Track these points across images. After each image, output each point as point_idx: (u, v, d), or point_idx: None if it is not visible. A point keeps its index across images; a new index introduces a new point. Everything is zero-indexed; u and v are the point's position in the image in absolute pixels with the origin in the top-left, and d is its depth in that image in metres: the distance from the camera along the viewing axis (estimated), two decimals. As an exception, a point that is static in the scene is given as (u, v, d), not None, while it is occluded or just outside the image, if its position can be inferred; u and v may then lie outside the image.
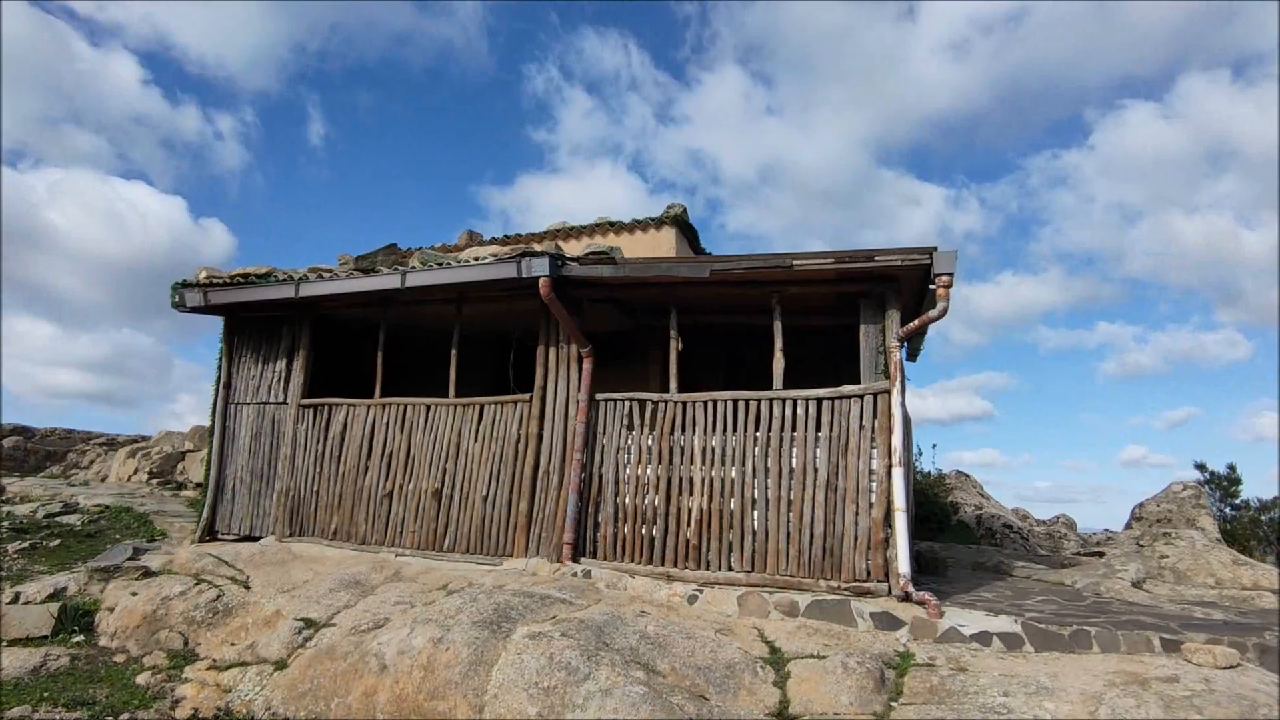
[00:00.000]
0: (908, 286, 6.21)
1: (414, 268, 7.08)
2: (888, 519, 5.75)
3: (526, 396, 7.10)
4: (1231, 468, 12.58)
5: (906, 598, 5.54)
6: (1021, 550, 11.45)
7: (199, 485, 11.83)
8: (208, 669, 5.24)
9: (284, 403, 8.19)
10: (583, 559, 6.57)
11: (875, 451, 5.90)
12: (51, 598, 6.45)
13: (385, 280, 7.07)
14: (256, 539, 8.00)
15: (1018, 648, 5.06)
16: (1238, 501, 11.92)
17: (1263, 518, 11.28)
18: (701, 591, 5.92)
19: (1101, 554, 8.97)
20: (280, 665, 5.00)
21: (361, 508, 7.48)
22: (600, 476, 6.70)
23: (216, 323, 8.67)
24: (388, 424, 7.61)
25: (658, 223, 10.29)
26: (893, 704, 4.40)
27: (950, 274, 5.57)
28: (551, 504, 6.75)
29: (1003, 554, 10.01)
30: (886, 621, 5.37)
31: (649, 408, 6.70)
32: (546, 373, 7.09)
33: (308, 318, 8.19)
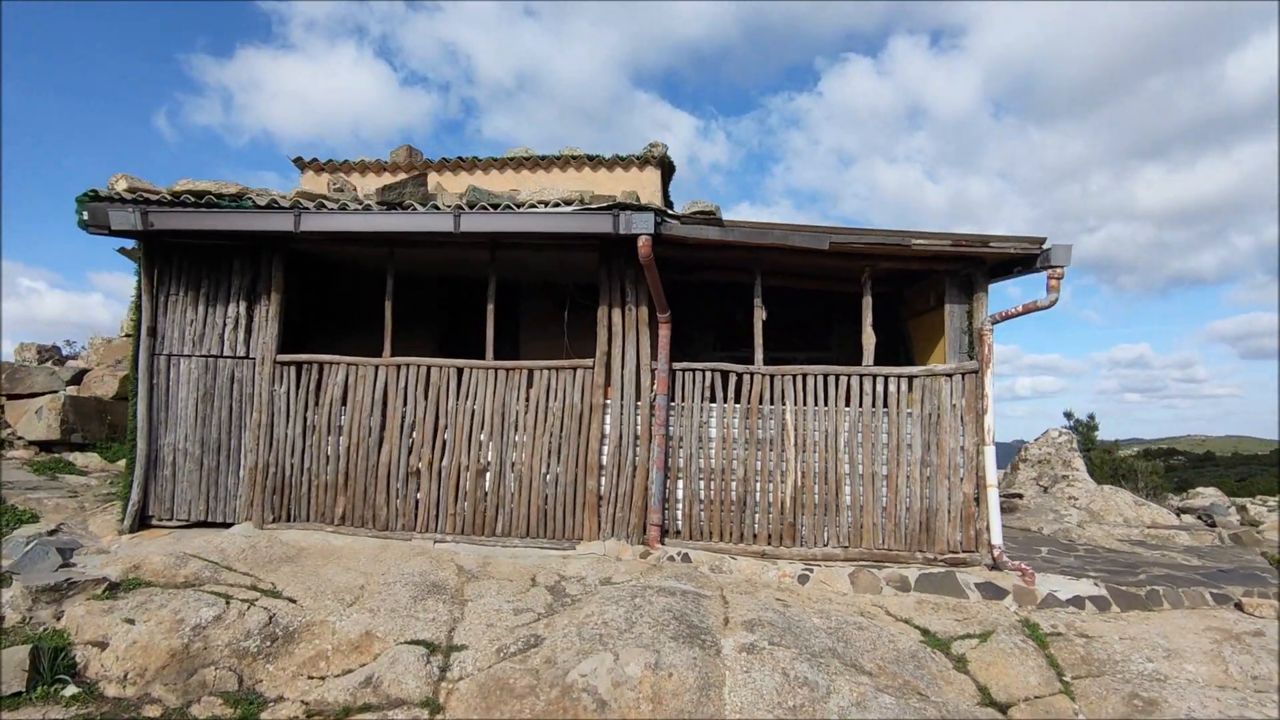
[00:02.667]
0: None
1: (467, 208, 5.89)
2: (979, 494, 6.08)
3: (589, 362, 6.36)
4: (1091, 416, 15.54)
5: (996, 567, 5.96)
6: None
7: (36, 444, 9.24)
8: (308, 717, 4.20)
9: (247, 357, 6.55)
10: (665, 540, 6.18)
11: (965, 429, 6.15)
12: (-16, 634, 4.72)
13: (433, 220, 5.80)
14: (218, 525, 6.47)
15: (1107, 609, 5.70)
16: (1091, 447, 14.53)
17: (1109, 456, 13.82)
18: (811, 570, 5.88)
19: (1020, 496, 10.37)
20: (431, 706, 4.14)
21: (379, 488, 6.32)
22: (681, 452, 6.28)
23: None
24: (405, 389, 6.42)
25: (640, 161, 9.53)
26: (1065, 679, 4.77)
27: (1064, 267, 5.83)
28: (627, 482, 6.22)
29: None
30: (991, 591, 5.75)
31: (733, 379, 6.35)
32: (611, 337, 6.39)
33: (279, 251, 6.53)
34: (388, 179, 9.63)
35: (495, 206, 5.94)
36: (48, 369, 10.05)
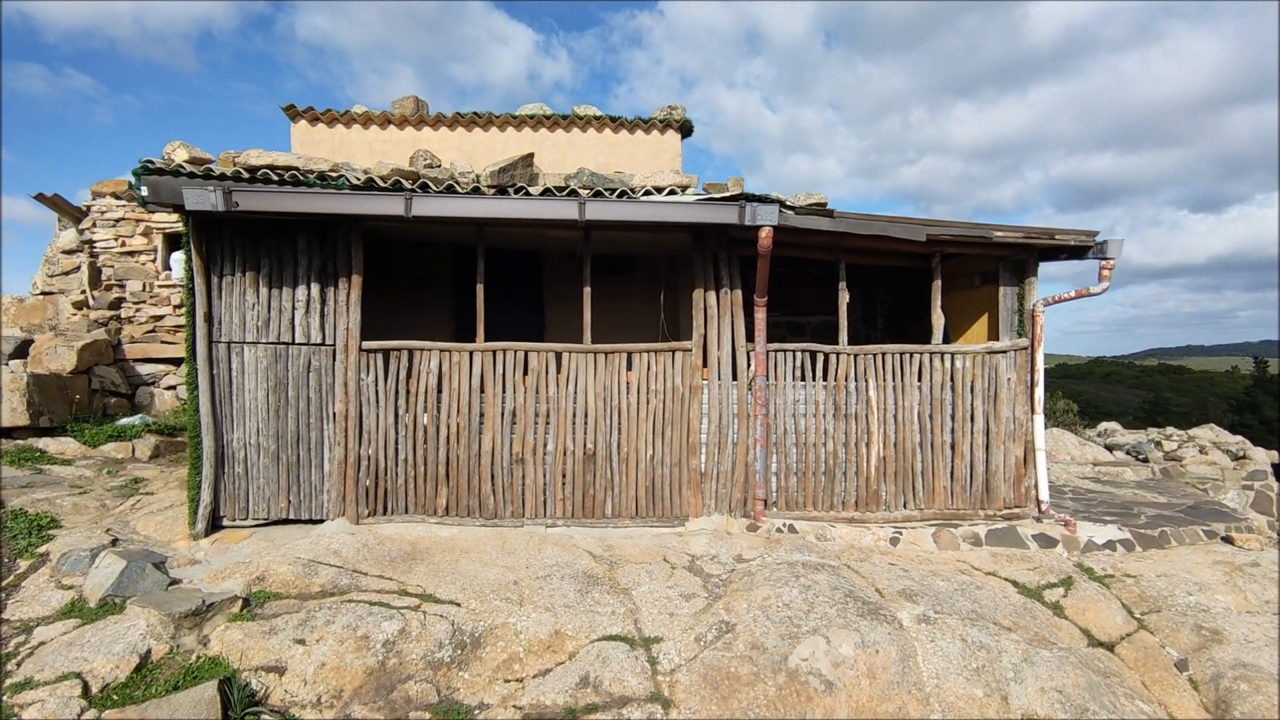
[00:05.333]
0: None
1: (583, 192, 5.72)
2: (1027, 455, 6.93)
3: (688, 344, 6.49)
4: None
5: (1040, 519, 6.89)
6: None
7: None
8: (532, 721, 4.31)
9: (325, 344, 6.11)
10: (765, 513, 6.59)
11: (1017, 400, 6.93)
12: (138, 670, 4.36)
13: (557, 207, 5.59)
14: (302, 522, 6.15)
15: (1133, 550, 6.77)
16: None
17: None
18: (900, 533, 6.52)
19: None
20: (660, 700, 4.36)
21: (484, 476, 6.22)
22: (775, 428, 6.63)
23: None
24: (503, 375, 6.27)
25: (662, 125, 9.41)
26: (1136, 616, 5.73)
27: (1116, 259, 6.59)
28: (728, 459, 6.52)
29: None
30: (1045, 541, 6.65)
31: (820, 358, 6.73)
32: (707, 320, 6.54)
33: (355, 230, 6.05)
34: (393, 132, 8.96)
35: (611, 191, 5.82)
36: (-19, 341, 8.68)
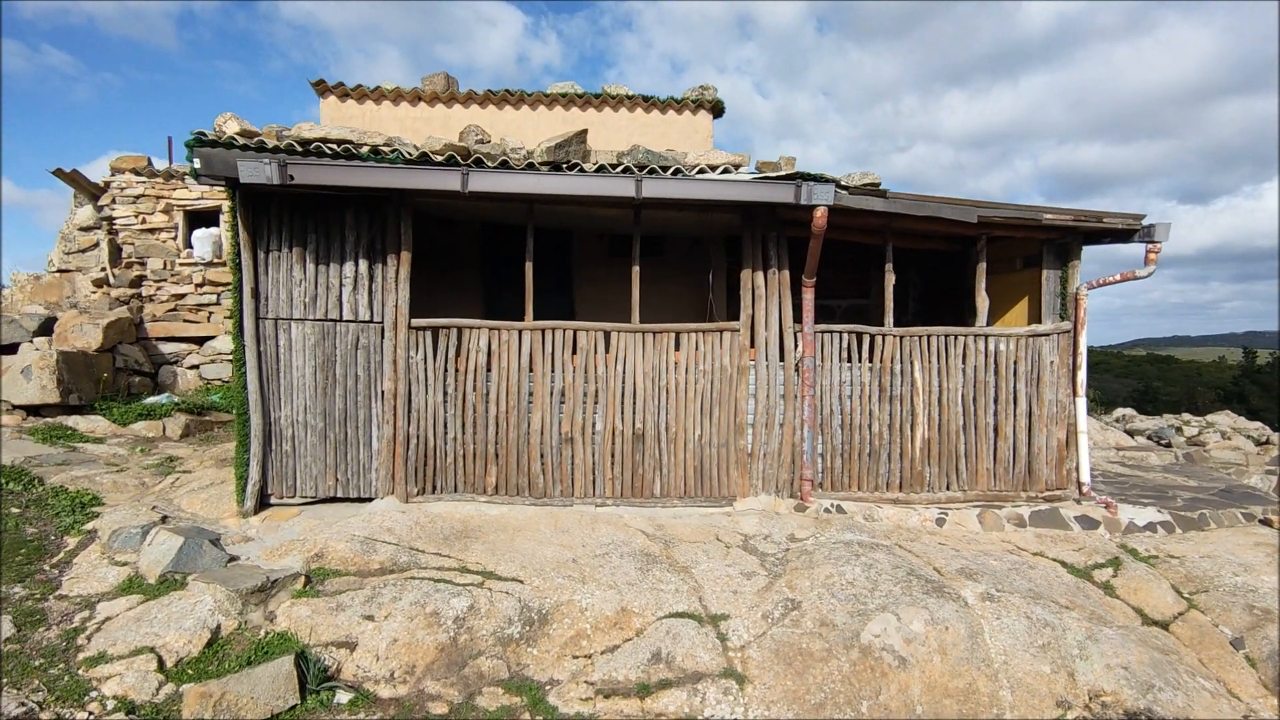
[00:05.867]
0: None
1: (637, 170, 5.67)
2: (1068, 438, 6.96)
3: (735, 325, 6.47)
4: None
5: (1080, 501, 6.93)
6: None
7: (22, 409, 7.99)
8: (604, 697, 4.31)
9: (373, 321, 6.04)
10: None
11: (1059, 383, 6.95)
12: (209, 645, 4.34)
13: (614, 185, 5.53)
14: (349, 500, 6.11)
15: (1173, 532, 6.83)
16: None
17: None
18: (946, 514, 6.54)
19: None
20: (734, 676, 4.37)
21: (533, 455, 6.19)
22: (822, 408, 6.63)
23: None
24: (551, 353, 6.23)
25: (694, 105, 9.33)
26: (1185, 596, 5.78)
27: (1163, 243, 6.59)
28: (775, 439, 6.51)
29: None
30: (1087, 522, 6.70)
31: (867, 340, 6.72)
32: (754, 300, 6.52)
33: (405, 205, 5.97)
34: (423, 109, 8.85)
35: (665, 169, 5.77)
36: (6, 317, 8.56)
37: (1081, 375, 6.91)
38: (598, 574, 5.13)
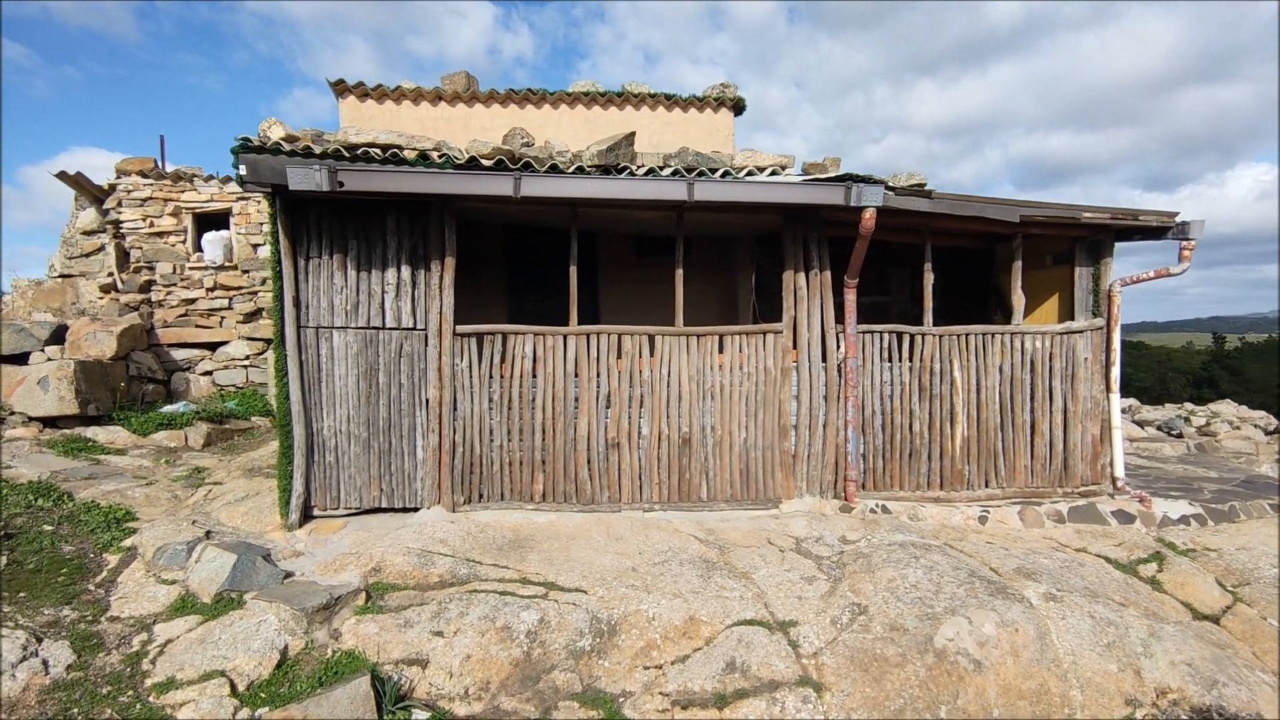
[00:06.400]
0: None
1: (686, 173, 5.61)
2: (1103, 434, 7.03)
3: (778, 326, 6.45)
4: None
5: (1114, 495, 7.01)
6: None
7: (39, 421, 7.79)
8: (680, 708, 4.29)
9: (416, 329, 5.95)
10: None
11: (1094, 379, 7.02)
12: (278, 667, 4.25)
13: (666, 188, 5.47)
14: (395, 511, 6.02)
15: (1205, 524, 6.92)
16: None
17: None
18: (988, 511, 6.59)
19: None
20: (811, 684, 4.37)
21: (580, 461, 6.14)
22: (864, 409, 6.64)
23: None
24: (597, 358, 6.17)
25: (715, 103, 9.27)
26: (1229, 589, 5.87)
27: (1197, 239, 6.66)
28: (819, 441, 6.51)
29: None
30: (1123, 517, 6.78)
31: (907, 339, 6.73)
32: (796, 301, 6.50)
33: (449, 210, 5.87)
34: (444, 108, 8.72)
35: (713, 171, 5.72)
36: (15, 325, 8.32)
37: (1115, 371, 6.98)
38: (660, 582, 5.10)
